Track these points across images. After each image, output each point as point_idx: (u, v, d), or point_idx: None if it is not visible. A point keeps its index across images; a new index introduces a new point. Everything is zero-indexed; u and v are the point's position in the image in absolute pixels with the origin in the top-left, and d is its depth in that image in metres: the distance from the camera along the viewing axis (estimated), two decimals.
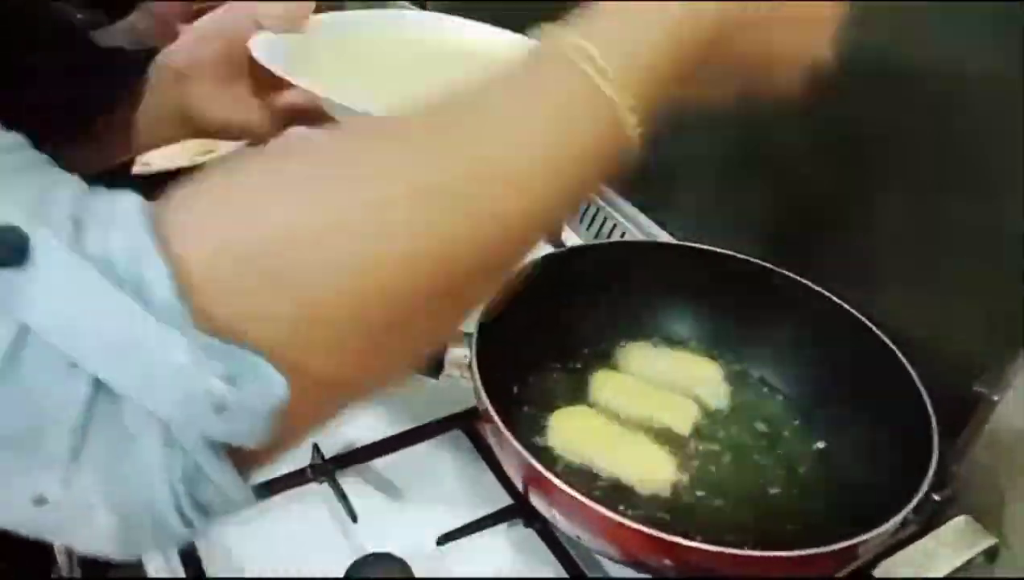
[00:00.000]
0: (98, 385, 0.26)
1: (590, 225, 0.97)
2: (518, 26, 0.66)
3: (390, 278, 0.31)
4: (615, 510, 0.51)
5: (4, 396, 0.26)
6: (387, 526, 0.62)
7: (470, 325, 0.63)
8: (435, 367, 0.62)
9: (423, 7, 1.09)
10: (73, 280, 0.27)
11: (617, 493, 0.62)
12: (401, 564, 0.57)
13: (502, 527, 0.62)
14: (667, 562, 0.52)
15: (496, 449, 0.60)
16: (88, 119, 0.63)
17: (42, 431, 0.26)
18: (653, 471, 0.62)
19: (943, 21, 0.62)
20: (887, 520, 0.52)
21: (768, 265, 0.71)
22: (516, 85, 0.37)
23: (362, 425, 0.68)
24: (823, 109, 0.72)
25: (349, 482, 0.64)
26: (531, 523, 0.62)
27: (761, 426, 0.68)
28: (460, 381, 0.62)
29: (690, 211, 0.88)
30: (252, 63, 0.60)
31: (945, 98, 0.63)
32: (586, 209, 0.97)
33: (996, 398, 0.63)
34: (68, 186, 0.30)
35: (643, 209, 0.93)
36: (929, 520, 0.64)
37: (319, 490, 0.64)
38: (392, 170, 0.33)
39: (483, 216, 0.34)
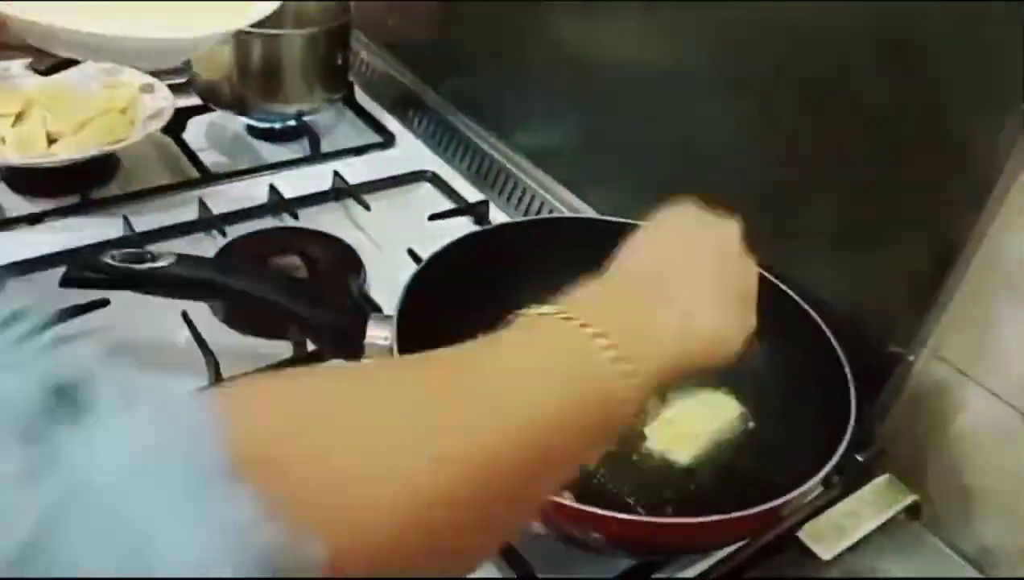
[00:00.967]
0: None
1: (518, 204, 0.96)
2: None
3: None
4: None
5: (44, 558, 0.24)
6: None
7: (391, 307, 0.62)
8: (357, 351, 0.61)
9: None
10: (129, 437, 0.26)
11: None
12: None
13: None
14: (594, 535, 0.52)
15: None
16: None
17: None
18: None
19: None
20: (804, 483, 0.52)
21: None
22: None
23: None
24: (739, 80, 0.73)
25: None
26: None
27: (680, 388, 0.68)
28: None
29: (614, 187, 0.88)
30: None
31: (860, 57, 0.64)
32: (513, 187, 0.96)
33: (912, 358, 0.64)
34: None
35: (569, 185, 0.93)
36: (854, 481, 0.66)
37: None
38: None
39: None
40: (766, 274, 0.67)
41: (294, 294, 0.60)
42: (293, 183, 0.93)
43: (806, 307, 0.65)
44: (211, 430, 0.28)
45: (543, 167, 0.96)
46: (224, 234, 0.84)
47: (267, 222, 0.88)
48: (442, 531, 0.33)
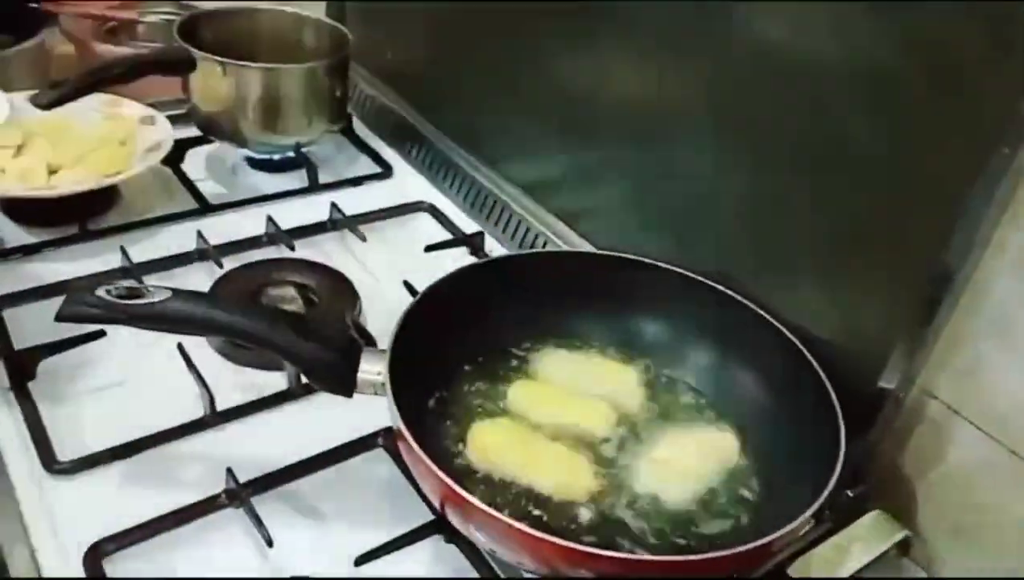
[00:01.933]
0: None
1: (513, 235, 0.97)
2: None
3: None
4: (529, 521, 0.51)
5: None
6: (306, 549, 0.61)
7: (384, 341, 0.63)
8: (349, 385, 0.61)
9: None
10: None
11: (534, 503, 0.61)
12: None
13: (426, 544, 0.62)
14: (583, 572, 0.53)
15: (411, 467, 0.60)
16: None
17: None
18: (569, 479, 0.63)
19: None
20: (793, 521, 0.52)
21: (682, 270, 0.72)
22: None
23: (283, 445, 0.67)
24: (730, 117, 0.74)
25: (267, 505, 0.63)
26: (452, 539, 0.62)
27: (674, 425, 0.69)
28: (375, 399, 0.61)
29: (611, 218, 0.89)
30: None
31: (848, 100, 0.65)
32: (508, 218, 0.97)
33: (902, 395, 0.65)
34: None
35: (564, 218, 0.94)
36: (845, 516, 0.66)
37: (235, 516, 0.62)
38: None
39: None
40: (759, 311, 0.68)
41: (285, 330, 0.60)
42: (291, 214, 0.94)
43: (797, 344, 0.66)
44: None
45: (538, 199, 0.97)
46: (221, 265, 0.84)
47: (264, 253, 0.89)
48: None
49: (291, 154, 1.03)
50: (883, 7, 0.60)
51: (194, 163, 1.03)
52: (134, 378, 0.73)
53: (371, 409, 0.64)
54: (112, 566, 0.59)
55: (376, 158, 1.09)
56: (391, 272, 0.87)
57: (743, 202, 0.75)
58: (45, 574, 0.58)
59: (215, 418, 0.69)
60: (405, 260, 0.90)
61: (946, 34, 0.57)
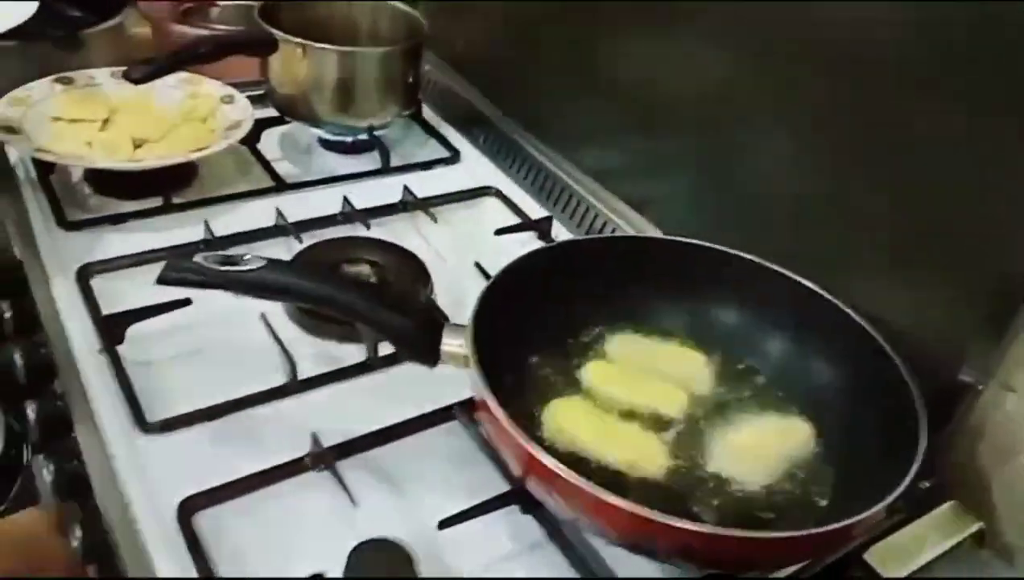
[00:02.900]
0: None
1: (580, 221, 0.98)
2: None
3: None
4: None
5: None
6: (387, 513, 0.63)
7: (456, 320, 0.64)
8: (432, 357, 0.63)
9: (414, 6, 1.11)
10: None
11: (610, 479, 0.62)
12: (402, 548, 0.57)
13: (499, 514, 0.63)
14: (664, 544, 0.54)
15: (494, 438, 0.61)
16: None
17: None
18: (645, 457, 0.63)
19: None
20: (872, 507, 0.53)
21: (754, 258, 0.73)
22: None
23: (361, 414, 0.69)
24: (810, 103, 0.74)
25: (348, 471, 0.65)
26: (528, 509, 0.63)
27: (747, 411, 0.70)
28: (456, 371, 0.63)
29: (677, 206, 0.90)
30: None
31: (926, 90, 0.65)
32: (576, 204, 0.98)
33: (981, 387, 0.65)
34: None
35: (631, 204, 0.94)
36: (918, 507, 0.66)
37: (319, 479, 0.64)
38: None
39: None
40: (836, 301, 0.68)
41: (375, 301, 0.62)
42: (364, 194, 0.96)
43: (875, 335, 0.66)
44: None
45: (605, 186, 0.98)
46: (300, 240, 0.87)
47: (339, 231, 0.91)
48: None
49: (363, 137, 1.05)
50: None
51: (269, 143, 1.05)
52: (217, 346, 0.75)
53: (444, 383, 0.67)
54: (202, 520, 0.61)
55: (444, 143, 1.10)
56: (460, 254, 0.89)
57: (817, 192, 0.75)
58: (139, 527, 0.60)
59: (297, 385, 0.71)
60: (474, 243, 0.92)
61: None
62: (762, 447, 0.65)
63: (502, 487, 0.65)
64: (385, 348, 0.74)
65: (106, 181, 0.93)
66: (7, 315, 0.83)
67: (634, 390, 0.69)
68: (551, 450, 0.64)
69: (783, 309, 0.72)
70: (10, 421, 0.81)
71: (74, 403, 0.69)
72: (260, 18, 1.00)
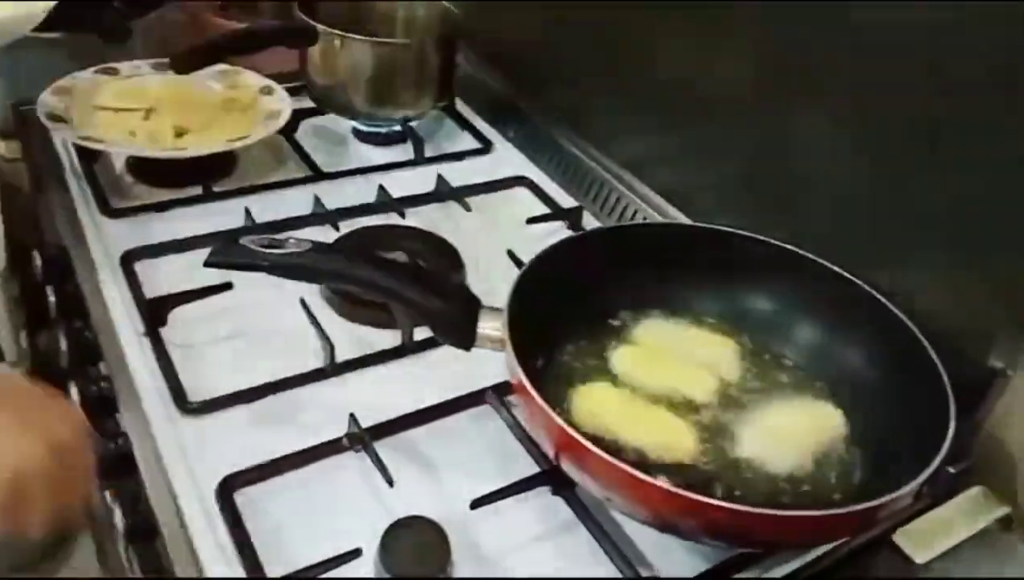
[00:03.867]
0: None
1: (611, 212, 0.99)
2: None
3: None
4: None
5: None
6: (421, 492, 0.65)
7: (490, 301, 0.65)
8: (468, 339, 0.64)
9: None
10: None
11: (640, 462, 0.63)
12: (436, 527, 0.59)
13: (530, 496, 0.65)
14: (696, 523, 0.55)
15: (528, 419, 0.63)
16: None
17: None
18: (674, 441, 0.64)
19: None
20: (901, 488, 0.53)
21: (785, 245, 0.73)
22: None
23: (396, 397, 0.71)
24: (840, 93, 0.74)
25: (384, 451, 0.66)
26: (559, 491, 0.64)
27: (776, 396, 0.70)
28: (490, 354, 0.64)
29: (709, 196, 0.90)
30: None
31: (963, 80, 0.65)
32: (607, 194, 0.99)
33: (1011, 373, 0.65)
34: None
35: (661, 193, 0.95)
36: (947, 491, 0.67)
37: (355, 459, 0.66)
38: None
39: None
40: (866, 287, 0.69)
41: (415, 284, 0.64)
42: (399, 184, 0.97)
43: (905, 321, 0.66)
44: None
45: (636, 175, 0.99)
46: (337, 228, 0.89)
47: (375, 219, 0.92)
48: None
49: (397, 128, 1.07)
50: None
51: (304, 133, 1.07)
52: (257, 329, 0.77)
53: (474, 369, 0.69)
54: (242, 498, 0.63)
55: (476, 134, 1.12)
56: (492, 242, 0.90)
57: (848, 180, 0.75)
58: (181, 505, 0.62)
59: (335, 368, 0.73)
60: (506, 232, 0.93)
61: None
62: (791, 431, 0.66)
63: (531, 470, 0.66)
64: (419, 333, 0.76)
65: (148, 170, 0.96)
66: (52, 300, 0.86)
67: (663, 375, 0.70)
68: (581, 434, 0.65)
69: (813, 295, 0.72)
70: None
71: (119, 385, 0.71)
72: (300, 10, 1.02)
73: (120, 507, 0.69)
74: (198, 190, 0.93)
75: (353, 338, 0.78)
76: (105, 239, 0.86)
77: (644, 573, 0.60)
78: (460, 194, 0.97)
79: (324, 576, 0.57)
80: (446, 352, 0.67)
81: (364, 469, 0.65)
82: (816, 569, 0.60)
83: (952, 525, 0.62)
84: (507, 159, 1.09)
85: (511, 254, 0.87)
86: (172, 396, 0.70)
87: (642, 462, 0.63)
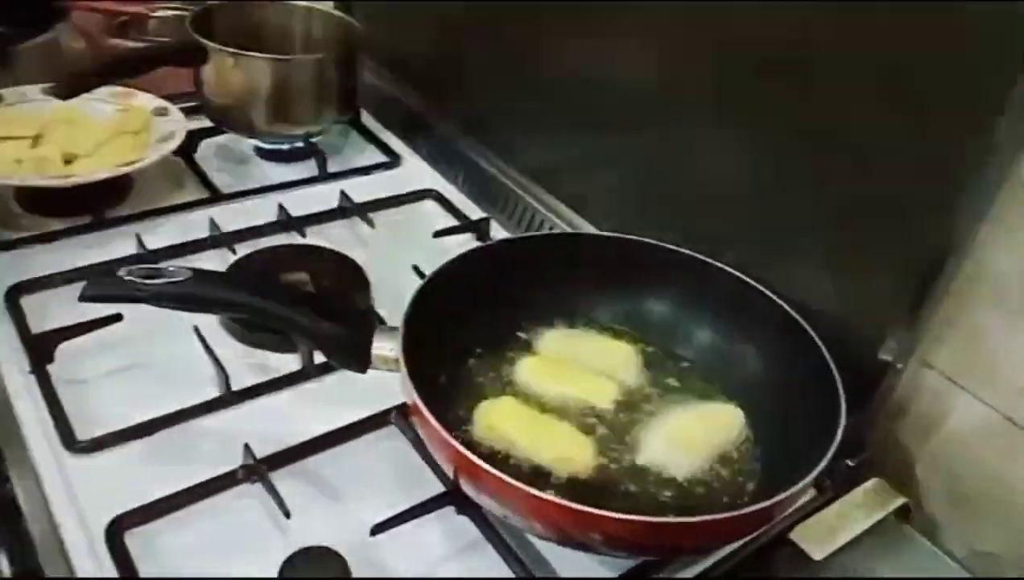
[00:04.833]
0: None
1: (519, 221, 0.98)
2: None
3: None
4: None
5: None
6: (323, 521, 0.63)
7: (396, 322, 0.64)
8: (363, 362, 0.63)
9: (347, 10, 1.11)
10: None
11: (538, 477, 0.63)
12: (335, 556, 0.57)
13: (438, 516, 0.63)
14: (594, 535, 0.54)
15: (425, 440, 0.62)
16: None
17: None
18: (573, 453, 0.64)
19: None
20: (794, 486, 0.54)
21: (683, 250, 0.74)
22: None
23: (297, 424, 0.69)
24: (732, 101, 0.75)
25: (284, 481, 0.64)
26: (464, 510, 0.63)
27: (676, 399, 0.71)
28: (389, 374, 0.63)
29: (614, 203, 0.90)
30: None
31: (847, 81, 0.66)
32: (514, 205, 0.99)
33: (901, 366, 0.66)
34: None
35: (569, 203, 0.95)
36: (847, 485, 0.67)
37: (252, 491, 0.64)
38: None
39: None
40: (760, 287, 0.69)
41: (302, 308, 0.62)
42: (301, 202, 0.95)
43: (798, 318, 0.67)
44: None
45: (544, 186, 0.99)
46: (234, 251, 0.86)
47: (276, 240, 0.90)
48: None
49: (300, 144, 1.05)
50: None
51: (205, 153, 1.05)
52: (150, 360, 0.75)
53: (381, 390, 0.67)
54: (135, 539, 0.60)
55: (383, 148, 1.10)
56: (399, 258, 0.89)
57: (745, 184, 0.76)
58: (68, 549, 0.59)
59: (231, 397, 0.71)
60: (413, 246, 0.92)
61: (941, 12, 0.59)
62: (692, 435, 0.66)
63: (438, 490, 0.65)
64: (321, 355, 0.74)
65: (37, 199, 0.92)
66: None
67: (566, 384, 0.70)
68: (481, 450, 0.65)
69: (711, 298, 0.73)
70: None
71: (3, 426, 0.68)
72: (191, 28, 0.99)
73: (6, 555, 0.66)
74: (89, 219, 0.90)
75: (253, 363, 0.76)
76: None
77: None
78: (364, 210, 0.95)
79: None
80: (349, 374, 0.66)
81: (263, 501, 0.64)
82: (720, 571, 0.60)
83: (849, 519, 0.63)
84: (415, 172, 1.08)
85: (417, 269, 0.86)
86: (59, 435, 0.67)
87: (542, 477, 0.63)
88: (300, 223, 0.91)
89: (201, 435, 0.69)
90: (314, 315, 0.61)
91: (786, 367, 0.68)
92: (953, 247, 0.62)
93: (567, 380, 0.70)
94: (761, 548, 0.61)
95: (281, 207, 0.93)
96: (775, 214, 0.74)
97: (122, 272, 0.60)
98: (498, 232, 0.97)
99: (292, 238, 0.91)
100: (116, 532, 0.60)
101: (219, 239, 0.88)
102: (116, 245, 0.86)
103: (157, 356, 0.75)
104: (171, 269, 0.61)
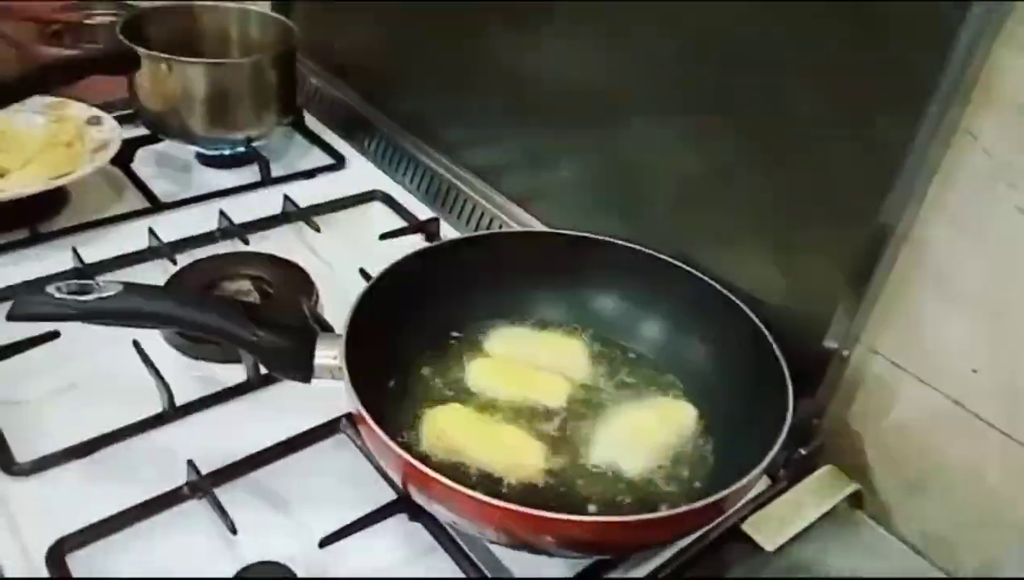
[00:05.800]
0: None
1: (468, 220, 0.97)
2: None
3: None
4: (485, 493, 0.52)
5: None
6: (272, 535, 0.62)
7: (340, 326, 0.63)
8: (306, 371, 0.62)
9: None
10: None
11: (490, 483, 0.62)
12: (284, 570, 0.56)
13: (391, 525, 0.62)
14: (545, 538, 0.54)
15: (372, 448, 0.61)
16: None
17: None
18: (522, 459, 0.63)
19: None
20: (743, 478, 0.54)
21: (629, 244, 0.74)
22: None
23: (244, 437, 0.67)
24: (674, 95, 0.75)
25: (231, 495, 0.63)
26: (417, 517, 0.62)
27: (628, 395, 0.70)
28: (333, 383, 0.62)
29: (563, 199, 0.90)
30: None
31: (783, 70, 0.66)
32: (463, 204, 0.98)
33: (846, 353, 0.67)
34: None
35: (517, 201, 0.94)
36: (800, 474, 0.68)
37: (199, 508, 0.63)
38: None
39: None
40: (706, 279, 0.69)
41: (240, 319, 0.60)
42: (244, 208, 0.94)
43: (745, 309, 0.67)
44: None
45: (491, 183, 0.98)
46: (175, 262, 0.84)
47: (218, 248, 0.88)
48: None
49: (242, 149, 1.03)
50: None
51: (144, 163, 1.02)
52: (91, 378, 0.73)
53: (332, 398, 0.65)
54: (76, 562, 0.59)
55: (328, 150, 1.09)
56: (347, 261, 0.87)
57: (689, 177, 0.76)
58: (7, 575, 0.58)
59: (174, 412, 0.69)
60: (360, 249, 0.90)
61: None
62: (643, 432, 0.66)
63: (393, 497, 0.64)
64: None
65: None
66: None
67: (515, 384, 0.69)
68: (430, 458, 0.64)
69: (658, 292, 0.73)
70: None
71: None
72: (122, 34, 0.96)
73: None
74: (25, 233, 0.87)
75: (198, 376, 0.74)
76: None
77: None
78: (309, 214, 0.94)
79: None
80: (297, 383, 0.65)
81: (209, 517, 0.62)
82: (675, 566, 0.60)
83: (802, 507, 0.63)
84: (361, 174, 1.06)
85: (364, 273, 0.85)
86: None
87: (492, 482, 0.62)
88: (243, 230, 0.90)
89: (145, 452, 0.67)
90: (252, 325, 0.60)
91: (734, 358, 0.68)
92: (893, 232, 0.63)
93: (518, 381, 0.70)
94: (713, 542, 0.61)
95: (223, 214, 0.91)
96: (719, 206, 0.74)
97: (51, 289, 0.58)
98: (448, 232, 0.96)
99: (235, 246, 0.89)
100: (58, 555, 0.58)
101: (159, 250, 0.86)
102: (52, 259, 0.84)
103: (98, 373, 0.73)
104: (102, 284, 0.59)
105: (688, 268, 0.71)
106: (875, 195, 0.62)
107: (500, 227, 0.94)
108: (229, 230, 0.90)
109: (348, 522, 0.61)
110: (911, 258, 0.63)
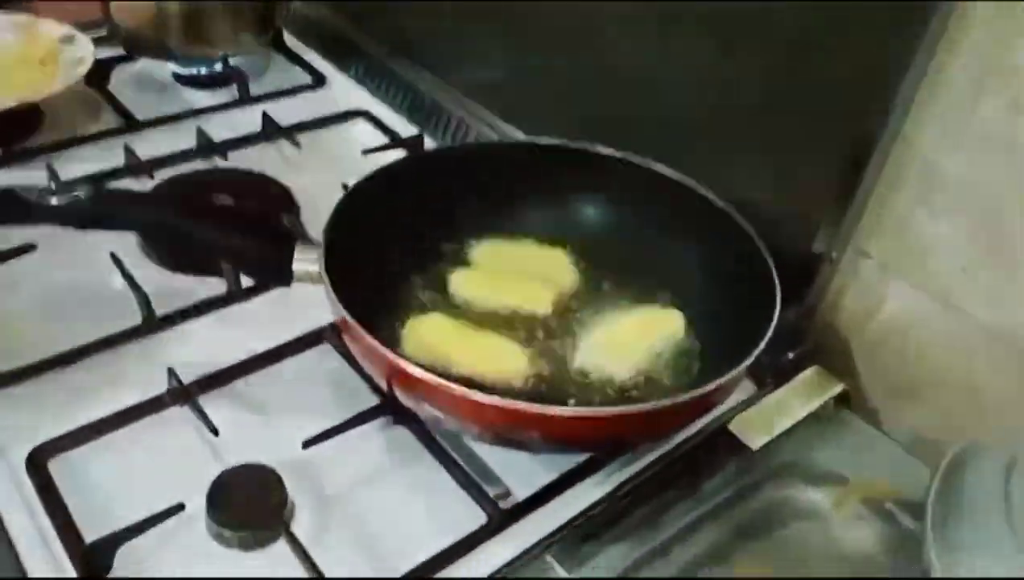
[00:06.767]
0: None
1: (453, 137, 0.96)
2: None
3: None
4: None
5: None
6: (255, 441, 0.61)
7: (319, 234, 0.62)
8: (286, 275, 0.60)
9: None
10: None
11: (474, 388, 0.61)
12: (269, 471, 0.56)
13: (376, 429, 0.62)
14: (533, 434, 0.53)
15: (357, 354, 0.60)
16: None
17: None
18: (506, 365, 0.63)
19: None
20: (730, 371, 0.53)
21: (612, 152, 0.72)
22: None
23: (226, 347, 0.67)
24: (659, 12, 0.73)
25: (214, 403, 0.62)
26: (401, 420, 0.62)
27: (615, 302, 0.70)
28: (321, 296, 0.61)
29: (547, 116, 0.88)
30: None
31: None
32: (447, 121, 0.96)
33: (835, 255, 0.66)
34: None
35: (501, 115, 0.93)
36: (787, 377, 0.67)
37: (181, 415, 0.62)
38: None
39: None
40: (692, 184, 0.68)
41: (219, 225, 0.59)
42: (224, 127, 0.92)
43: (731, 213, 0.66)
44: None
45: (477, 101, 0.96)
46: (152, 178, 0.83)
47: (197, 166, 0.87)
48: None
49: (219, 68, 1.01)
50: None
51: (121, 84, 0.99)
52: (69, 291, 0.72)
53: (315, 310, 0.64)
54: (58, 467, 0.58)
55: (308, 69, 1.06)
56: (329, 178, 0.85)
57: (677, 84, 0.74)
58: None
59: (154, 324, 0.68)
60: (343, 166, 0.88)
61: None
62: (630, 337, 0.66)
63: (376, 403, 0.63)
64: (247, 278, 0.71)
65: None
66: None
67: (500, 293, 0.68)
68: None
69: (643, 198, 0.72)
70: None
71: None
72: None
73: None
74: None
75: (178, 289, 0.73)
76: None
77: (492, 491, 0.58)
78: (290, 132, 0.92)
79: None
80: (279, 294, 0.64)
81: (193, 425, 0.61)
82: (659, 467, 0.60)
83: (788, 407, 0.63)
84: (343, 93, 1.04)
85: (346, 188, 0.83)
86: None
87: (476, 388, 0.61)
88: (222, 148, 0.88)
89: (125, 364, 0.66)
90: (231, 229, 0.59)
91: (721, 262, 0.67)
92: (881, 133, 0.61)
93: (503, 290, 0.69)
94: (701, 442, 0.61)
95: (201, 131, 0.89)
96: (706, 112, 0.73)
97: (20, 191, 0.56)
98: (427, 143, 0.94)
99: (214, 164, 0.87)
100: (39, 461, 0.58)
101: (136, 167, 0.84)
102: (28, 177, 0.82)
103: (76, 286, 0.72)
104: (75, 187, 0.58)
105: (672, 172, 0.70)
106: (863, 97, 0.61)
107: (478, 138, 0.92)
108: (208, 147, 0.88)
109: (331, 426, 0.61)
110: (900, 159, 0.62)
